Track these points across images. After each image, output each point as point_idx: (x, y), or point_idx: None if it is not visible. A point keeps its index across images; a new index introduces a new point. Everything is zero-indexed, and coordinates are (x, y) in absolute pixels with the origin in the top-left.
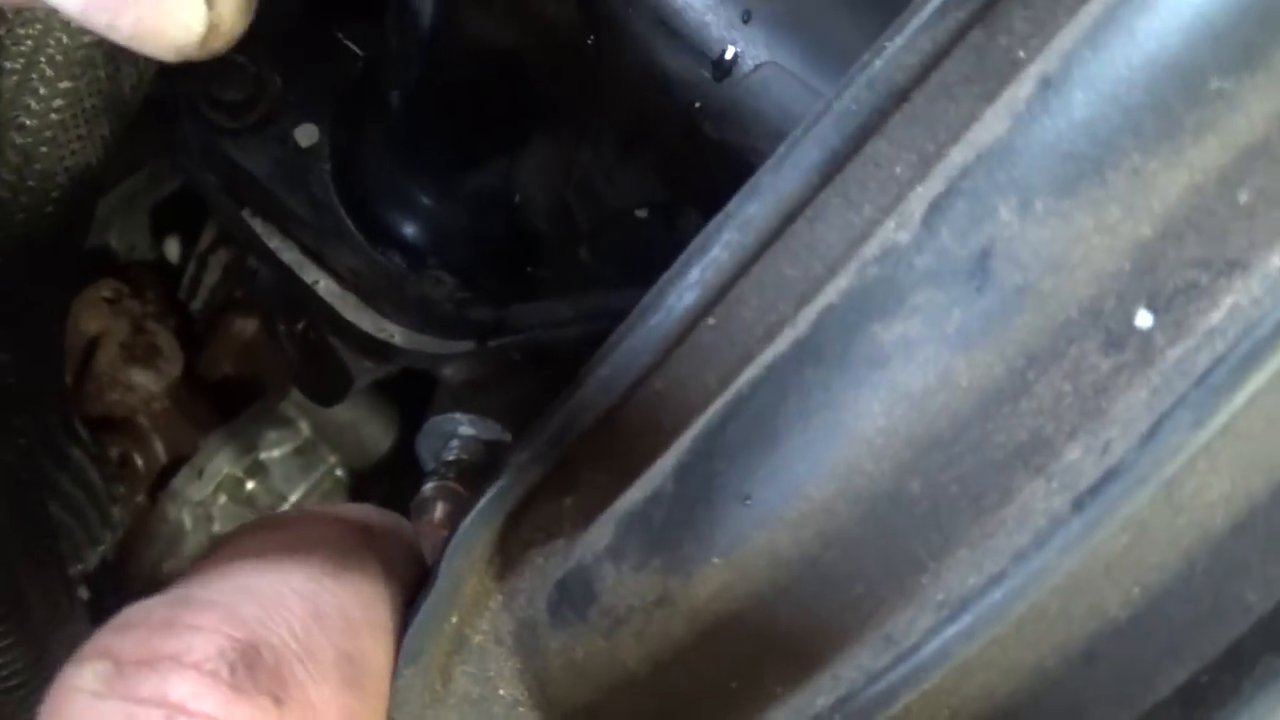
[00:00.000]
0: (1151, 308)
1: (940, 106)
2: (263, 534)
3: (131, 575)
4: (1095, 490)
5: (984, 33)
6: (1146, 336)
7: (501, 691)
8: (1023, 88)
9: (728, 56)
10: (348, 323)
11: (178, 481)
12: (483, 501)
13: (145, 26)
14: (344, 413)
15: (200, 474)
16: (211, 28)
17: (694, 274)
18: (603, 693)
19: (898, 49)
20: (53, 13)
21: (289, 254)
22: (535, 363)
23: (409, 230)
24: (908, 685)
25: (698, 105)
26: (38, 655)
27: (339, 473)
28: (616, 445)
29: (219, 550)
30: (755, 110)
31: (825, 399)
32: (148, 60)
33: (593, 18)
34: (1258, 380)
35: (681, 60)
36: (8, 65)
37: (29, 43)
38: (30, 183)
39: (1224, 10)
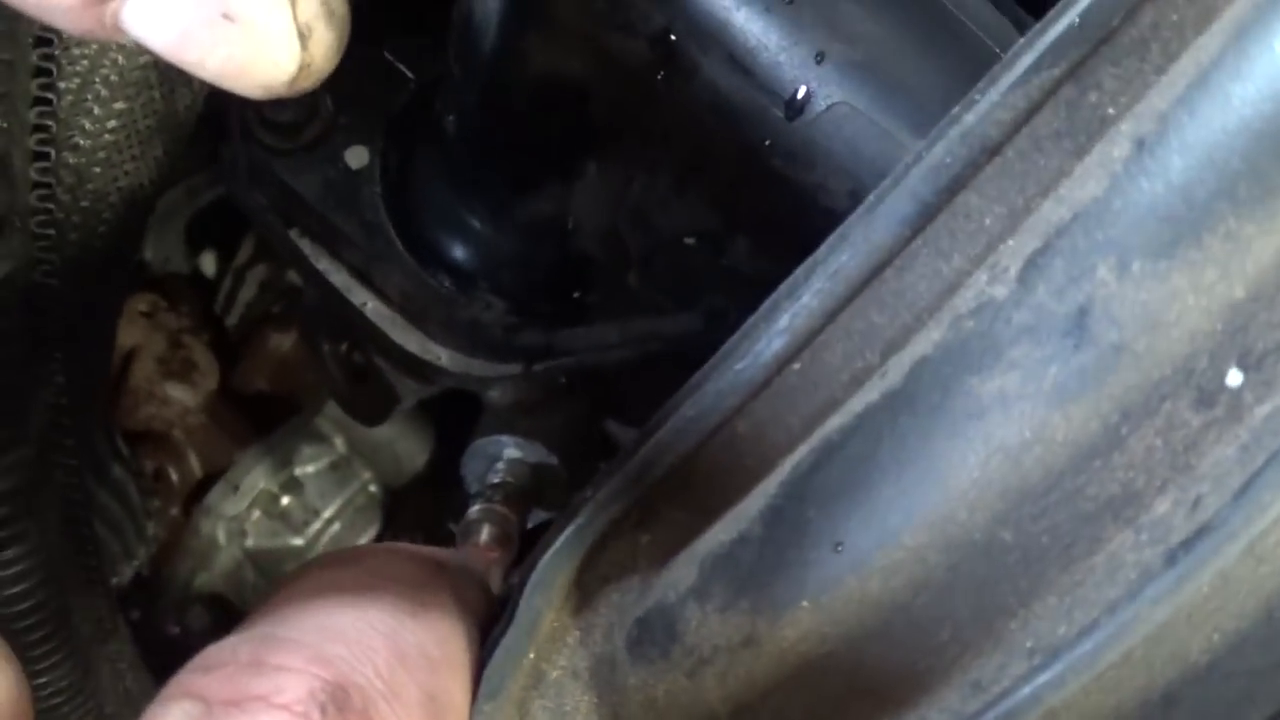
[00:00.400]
0: (1242, 366)
1: (1031, 161)
2: (337, 569)
3: (164, 589)
4: (1187, 544)
5: (1075, 89)
6: (1237, 394)
7: None
8: (1118, 147)
9: (800, 96)
10: (395, 344)
11: (212, 496)
12: (561, 538)
13: (236, 64)
14: (379, 430)
15: (235, 489)
16: (303, 67)
17: (783, 320)
18: None
19: (991, 103)
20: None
21: (337, 275)
22: (582, 386)
23: (459, 253)
24: None
25: (768, 143)
26: (83, 672)
27: (373, 489)
28: (697, 485)
29: (293, 585)
30: (826, 149)
31: (921, 449)
32: (203, 83)
33: (664, 55)
34: None
35: (753, 98)
36: (63, 85)
37: (84, 63)
38: (84, 203)
39: None
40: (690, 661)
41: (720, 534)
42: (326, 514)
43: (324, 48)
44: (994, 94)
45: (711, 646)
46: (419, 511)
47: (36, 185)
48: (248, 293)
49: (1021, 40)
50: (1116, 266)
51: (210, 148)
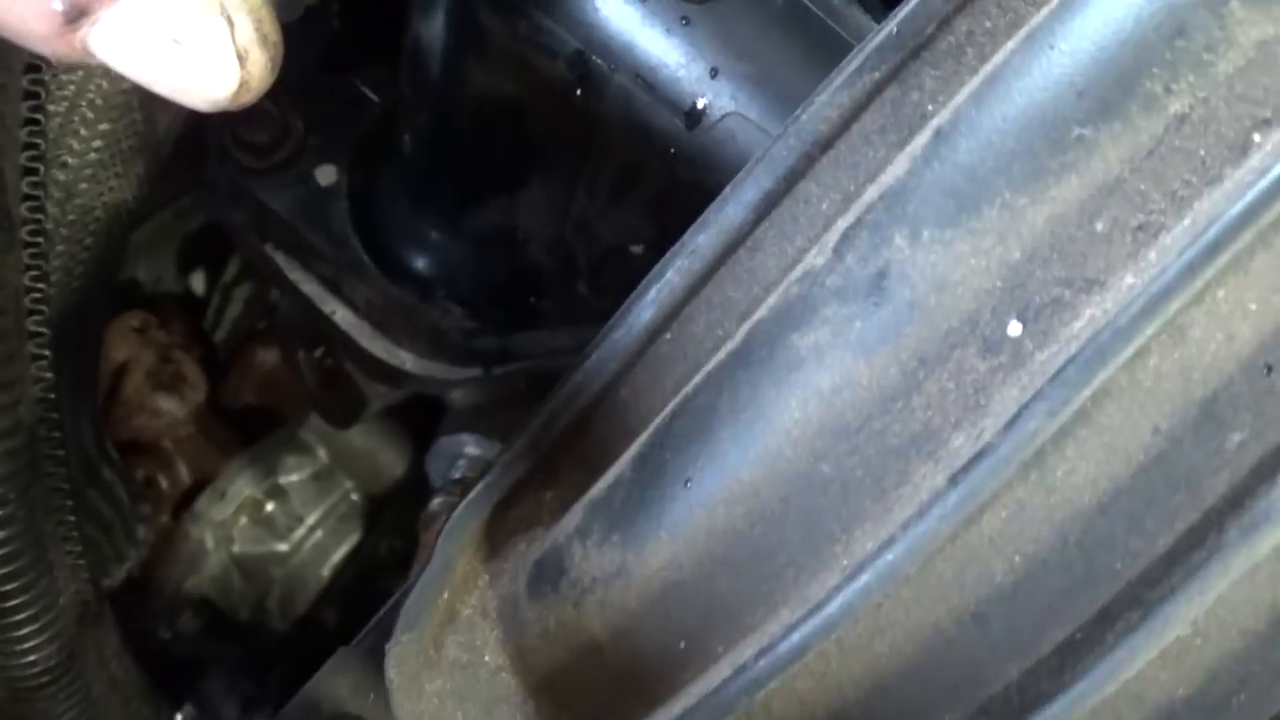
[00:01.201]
0: (1021, 318)
1: (860, 153)
2: None
3: (156, 592)
4: (966, 468)
5: (899, 89)
6: (1018, 343)
7: (486, 658)
8: (923, 136)
9: (698, 107)
10: (363, 350)
11: (200, 503)
12: (472, 494)
13: (184, 82)
14: (360, 440)
15: (222, 496)
16: (242, 84)
17: (650, 294)
18: (572, 656)
19: (821, 104)
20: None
21: (309, 286)
22: (539, 389)
23: (420, 263)
24: (818, 636)
25: (672, 151)
26: (69, 654)
27: (354, 497)
28: (589, 446)
29: None
30: (721, 155)
31: (752, 396)
32: (180, 106)
33: (581, 74)
34: (1109, 378)
35: (658, 111)
36: (52, 109)
37: (71, 88)
38: (71, 216)
39: (1086, 71)
40: (575, 593)
41: (602, 482)
42: (310, 521)
43: (259, 68)
44: (824, 96)
45: (591, 578)
46: (399, 518)
47: (27, 197)
48: (234, 310)
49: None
50: (910, 236)
51: (193, 171)
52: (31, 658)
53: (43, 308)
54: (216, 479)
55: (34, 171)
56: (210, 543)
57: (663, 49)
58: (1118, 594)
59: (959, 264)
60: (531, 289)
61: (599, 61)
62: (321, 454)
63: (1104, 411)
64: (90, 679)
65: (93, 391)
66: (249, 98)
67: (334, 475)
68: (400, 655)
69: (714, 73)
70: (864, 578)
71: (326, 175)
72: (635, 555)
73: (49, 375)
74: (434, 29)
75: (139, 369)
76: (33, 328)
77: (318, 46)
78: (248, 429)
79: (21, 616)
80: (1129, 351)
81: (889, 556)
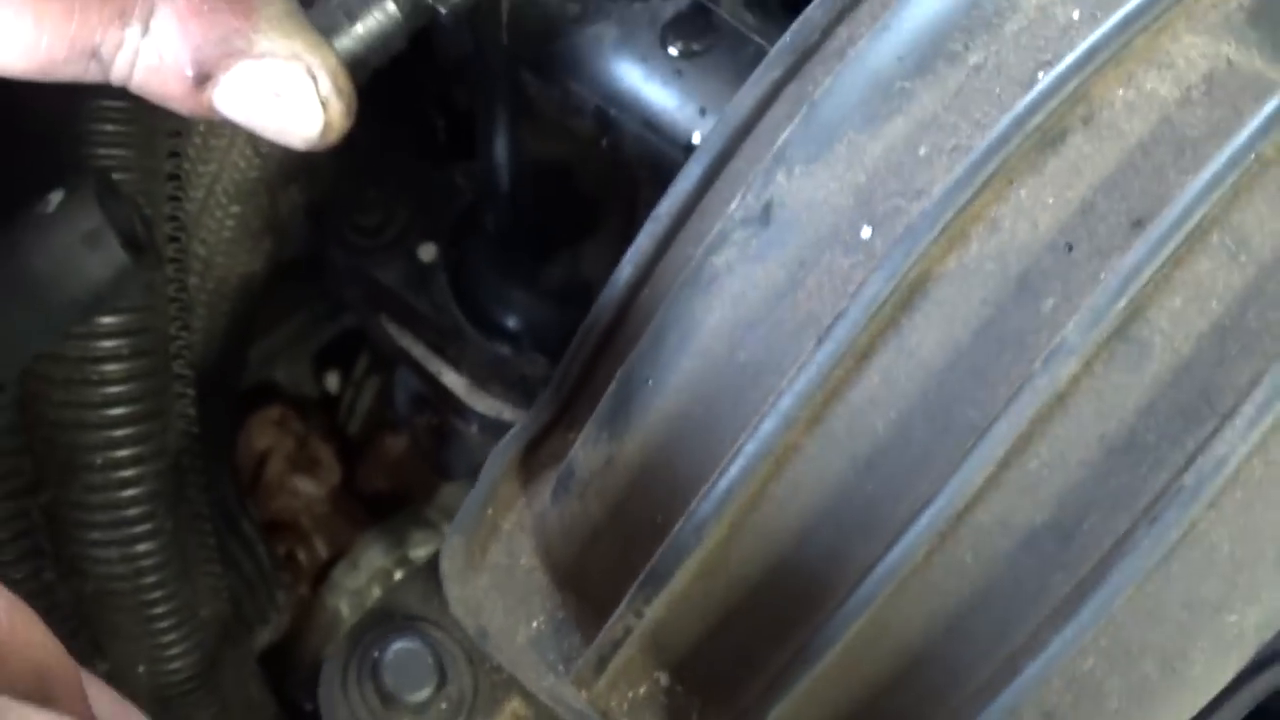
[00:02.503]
0: (870, 224)
1: (770, 134)
2: None
3: (298, 663)
4: (828, 330)
5: (798, 85)
6: (869, 243)
7: (523, 561)
8: (803, 108)
9: (693, 141)
10: (466, 406)
11: (336, 573)
12: (510, 433)
13: (283, 126)
14: None
15: (355, 566)
16: (326, 125)
17: (630, 256)
18: (584, 545)
19: (740, 97)
20: (224, 139)
21: (418, 350)
22: None
23: (510, 321)
24: (743, 480)
25: None
26: (210, 664)
27: None
28: (596, 387)
29: None
30: None
31: (688, 306)
32: (300, 189)
33: (603, 125)
34: (942, 261)
35: (663, 148)
36: (193, 194)
37: (208, 177)
38: (210, 284)
39: (906, 42)
40: (579, 488)
41: (600, 403)
42: None
43: (338, 113)
44: (744, 93)
45: (589, 472)
46: None
47: (172, 260)
48: (365, 402)
49: None
50: (787, 172)
51: (319, 275)
52: (176, 665)
53: (185, 353)
54: (350, 551)
55: (177, 240)
56: (346, 610)
57: (662, 97)
58: (975, 435)
59: (821, 188)
60: None
61: (614, 113)
62: (445, 529)
63: (939, 289)
64: (229, 694)
65: (228, 448)
66: (333, 137)
67: None
68: (451, 553)
69: (703, 111)
70: (768, 425)
71: (428, 252)
72: (618, 446)
73: (192, 412)
74: (495, 104)
75: (279, 456)
76: (179, 370)
77: (421, 144)
78: (380, 512)
79: (166, 624)
80: (952, 239)
81: (786, 403)
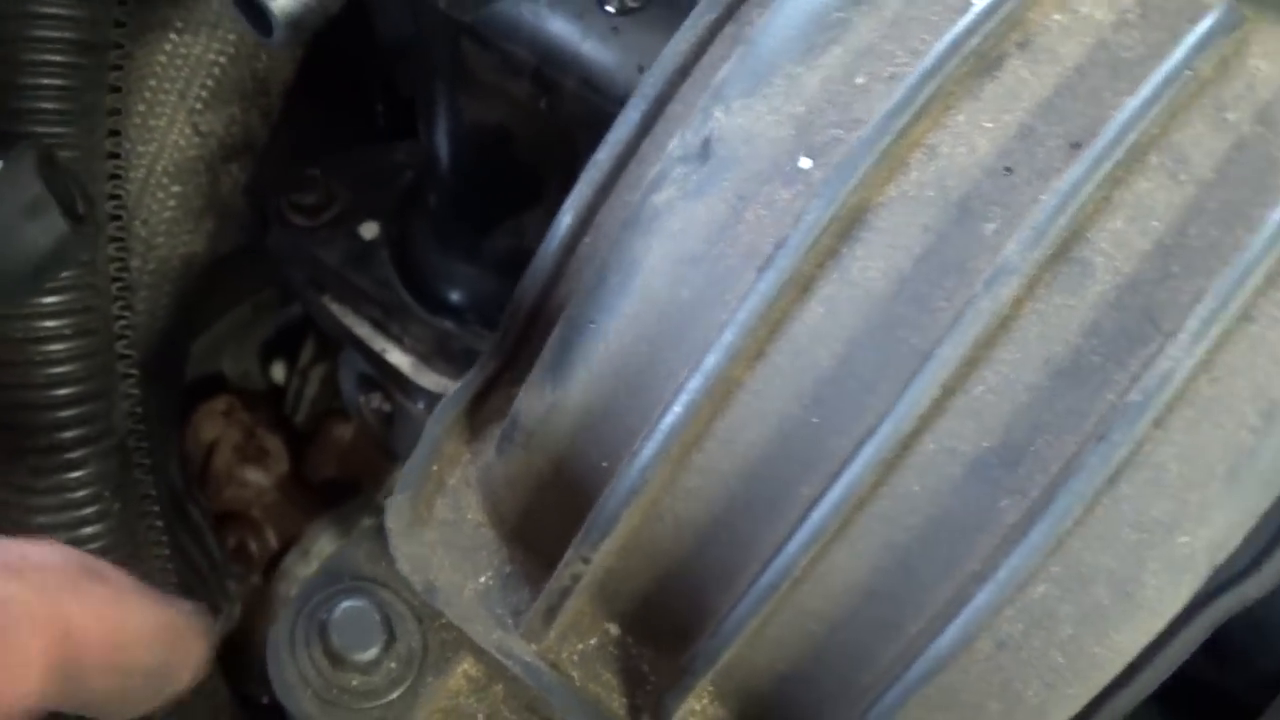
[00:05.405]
0: (809, 155)
1: (708, 75)
2: None
3: (253, 646)
4: (770, 260)
5: (735, 26)
6: (809, 173)
7: (469, 516)
8: (740, 47)
9: None
10: (411, 383)
11: (287, 561)
12: (455, 388)
13: None
14: None
15: (306, 554)
16: None
17: (568, 205)
18: (530, 496)
19: (675, 41)
20: (164, 118)
21: (361, 328)
22: None
23: (453, 296)
24: (688, 417)
25: None
26: None
27: None
28: (537, 339)
29: None
30: None
31: (628, 247)
32: (241, 168)
33: (541, 86)
34: (881, 190)
35: (603, 106)
36: (134, 174)
37: (149, 156)
38: (151, 265)
39: None
40: (524, 438)
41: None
42: None
43: None
44: (679, 37)
45: (534, 421)
46: None
47: (113, 239)
48: (311, 389)
49: None
50: (724, 109)
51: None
52: None
53: (129, 333)
54: (301, 540)
55: (118, 218)
56: None
57: (600, 55)
58: (919, 361)
59: (759, 121)
60: None
61: (552, 72)
62: None
63: (880, 217)
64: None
65: (174, 437)
66: None
67: None
68: (397, 509)
69: (641, 69)
70: (711, 359)
71: (370, 230)
72: (562, 391)
73: (137, 392)
74: (434, 73)
75: (226, 446)
76: (122, 350)
77: (362, 129)
78: (330, 500)
79: None
80: (892, 166)
81: (729, 336)
